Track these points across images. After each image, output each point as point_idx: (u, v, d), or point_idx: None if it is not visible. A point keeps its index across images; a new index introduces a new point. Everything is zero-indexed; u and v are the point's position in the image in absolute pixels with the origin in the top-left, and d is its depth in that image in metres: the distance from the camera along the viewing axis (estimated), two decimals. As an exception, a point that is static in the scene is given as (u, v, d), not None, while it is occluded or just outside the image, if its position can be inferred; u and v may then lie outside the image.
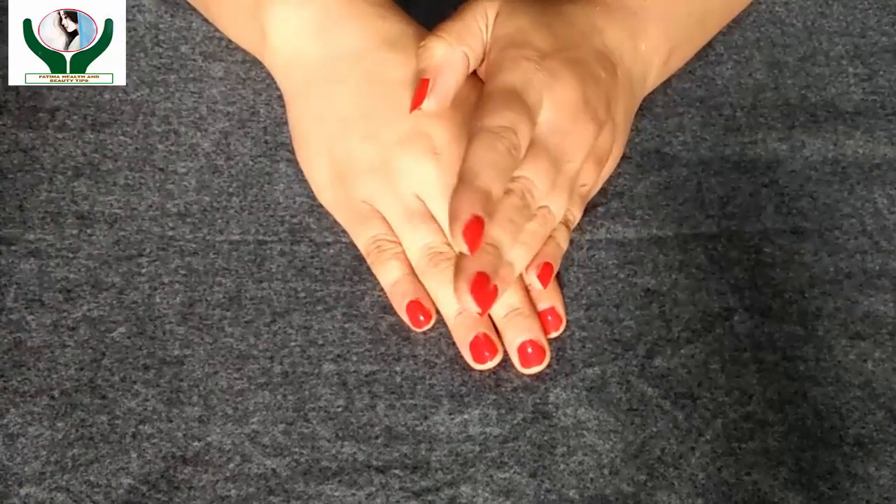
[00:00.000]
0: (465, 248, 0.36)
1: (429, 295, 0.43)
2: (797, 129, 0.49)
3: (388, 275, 0.43)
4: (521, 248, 0.40)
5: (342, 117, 0.44)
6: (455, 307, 0.42)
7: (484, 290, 0.37)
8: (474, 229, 0.36)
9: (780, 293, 0.44)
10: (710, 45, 0.52)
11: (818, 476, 0.39)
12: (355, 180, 0.43)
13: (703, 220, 0.46)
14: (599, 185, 0.46)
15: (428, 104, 0.41)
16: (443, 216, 0.43)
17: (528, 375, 0.42)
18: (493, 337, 0.42)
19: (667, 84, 0.50)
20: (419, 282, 0.43)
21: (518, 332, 0.42)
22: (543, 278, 0.42)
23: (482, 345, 0.42)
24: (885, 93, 0.51)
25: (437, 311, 0.43)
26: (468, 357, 0.42)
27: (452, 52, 0.42)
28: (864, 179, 0.48)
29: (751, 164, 0.48)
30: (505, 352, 0.42)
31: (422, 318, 0.43)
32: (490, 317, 0.43)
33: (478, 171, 0.37)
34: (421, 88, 0.41)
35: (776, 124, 0.49)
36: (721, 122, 0.50)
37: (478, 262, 0.37)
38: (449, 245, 0.43)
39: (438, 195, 0.42)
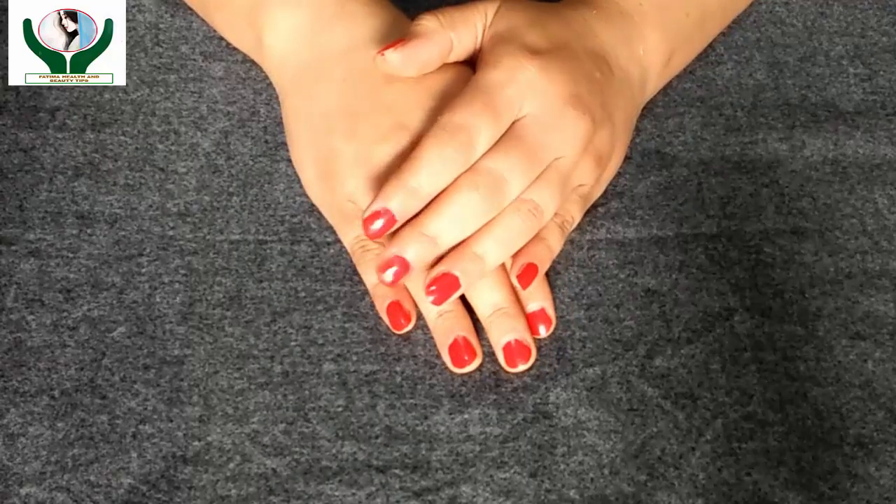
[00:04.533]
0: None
1: (411, 296, 0.43)
2: (797, 129, 0.49)
3: (371, 276, 0.43)
4: (492, 241, 0.40)
5: (326, 115, 0.44)
6: (436, 309, 0.42)
7: (396, 275, 0.40)
8: (373, 219, 0.39)
9: (780, 293, 0.44)
10: (710, 45, 0.52)
11: (818, 476, 0.39)
12: (339, 178, 0.43)
13: (704, 220, 0.46)
14: (602, 188, 0.46)
15: (391, 55, 0.42)
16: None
17: (526, 375, 0.42)
18: (473, 340, 0.42)
19: (667, 84, 0.50)
20: (402, 283, 0.43)
21: (503, 331, 0.42)
22: (523, 279, 0.42)
23: (461, 348, 0.41)
24: (885, 93, 0.51)
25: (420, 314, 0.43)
26: (447, 360, 0.42)
27: (439, 29, 0.42)
28: (865, 179, 0.48)
29: (751, 164, 0.48)
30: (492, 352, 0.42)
31: (402, 320, 0.42)
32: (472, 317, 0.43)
33: (413, 167, 0.39)
34: (392, 42, 0.42)
35: (776, 124, 0.49)
36: (721, 122, 0.50)
37: (397, 246, 0.40)
38: None
39: None
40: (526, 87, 0.41)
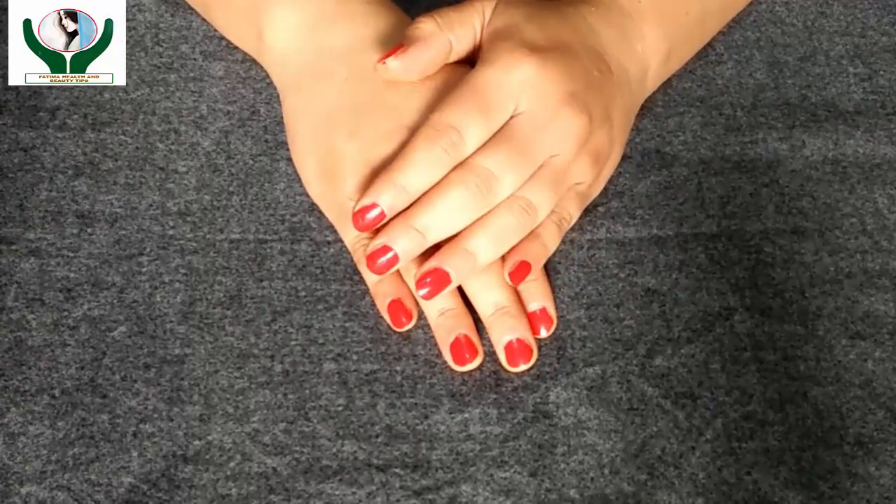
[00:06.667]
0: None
1: (412, 295, 0.43)
2: (797, 128, 0.49)
3: (372, 275, 0.43)
4: (484, 238, 0.41)
5: (328, 114, 0.44)
6: (437, 307, 0.42)
7: (384, 268, 0.40)
8: (363, 212, 0.40)
9: (780, 293, 0.44)
10: (710, 44, 0.52)
11: (818, 475, 0.39)
12: (340, 177, 0.43)
13: (704, 219, 0.46)
14: (600, 186, 0.46)
15: (392, 63, 0.42)
16: None
17: (527, 374, 0.42)
18: (475, 338, 0.42)
19: (667, 84, 0.50)
20: (403, 281, 0.43)
21: (504, 330, 0.42)
22: (515, 276, 0.42)
23: (462, 347, 0.42)
24: (886, 92, 0.51)
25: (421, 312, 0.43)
26: (448, 358, 0.42)
27: (437, 31, 0.43)
28: (865, 179, 0.48)
29: (751, 163, 0.48)
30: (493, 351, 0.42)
31: (403, 318, 0.42)
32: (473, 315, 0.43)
33: (401, 164, 0.40)
34: (392, 49, 0.42)
35: (776, 124, 0.49)
36: (721, 122, 0.50)
37: (386, 236, 0.40)
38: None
39: None
40: (522, 85, 0.41)
